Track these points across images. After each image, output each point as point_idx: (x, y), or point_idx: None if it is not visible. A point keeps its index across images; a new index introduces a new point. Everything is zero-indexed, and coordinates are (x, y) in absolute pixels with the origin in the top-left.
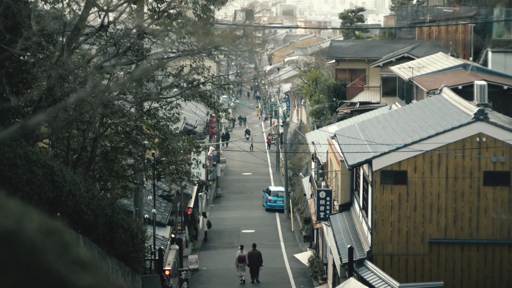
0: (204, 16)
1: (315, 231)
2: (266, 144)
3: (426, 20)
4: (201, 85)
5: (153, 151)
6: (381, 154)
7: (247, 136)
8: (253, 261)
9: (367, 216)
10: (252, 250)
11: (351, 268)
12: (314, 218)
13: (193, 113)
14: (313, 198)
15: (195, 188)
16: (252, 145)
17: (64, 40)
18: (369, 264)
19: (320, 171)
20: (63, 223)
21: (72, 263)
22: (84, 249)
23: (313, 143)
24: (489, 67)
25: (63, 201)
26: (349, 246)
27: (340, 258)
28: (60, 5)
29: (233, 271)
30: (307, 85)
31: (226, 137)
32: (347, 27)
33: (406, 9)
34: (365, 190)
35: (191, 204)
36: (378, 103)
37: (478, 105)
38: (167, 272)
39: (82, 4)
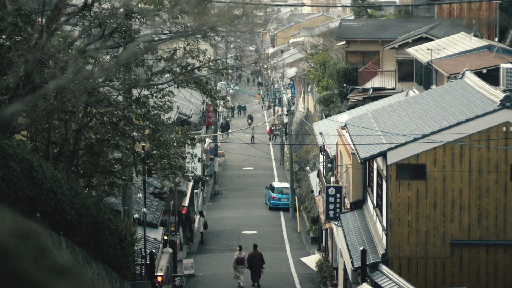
0: None
1: (323, 232)
2: (268, 136)
3: None
4: (196, 70)
5: (143, 144)
6: (397, 146)
7: (249, 122)
8: (254, 263)
9: (381, 215)
10: (252, 251)
11: (364, 273)
12: (322, 217)
13: (187, 102)
14: (321, 195)
15: (190, 184)
16: (253, 137)
17: (44, 20)
18: (384, 268)
19: (329, 165)
20: (42, 224)
21: (50, 269)
22: (67, 253)
23: (321, 134)
24: None
25: (43, 200)
26: (361, 248)
27: (352, 262)
28: None
29: (232, 276)
30: (314, 69)
31: (225, 128)
32: (358, 4)
33: None
34: (379, 186)
35: (186, 203)
36: (393, 89)
37: (504, 91)
38: (159, 278)
39: None
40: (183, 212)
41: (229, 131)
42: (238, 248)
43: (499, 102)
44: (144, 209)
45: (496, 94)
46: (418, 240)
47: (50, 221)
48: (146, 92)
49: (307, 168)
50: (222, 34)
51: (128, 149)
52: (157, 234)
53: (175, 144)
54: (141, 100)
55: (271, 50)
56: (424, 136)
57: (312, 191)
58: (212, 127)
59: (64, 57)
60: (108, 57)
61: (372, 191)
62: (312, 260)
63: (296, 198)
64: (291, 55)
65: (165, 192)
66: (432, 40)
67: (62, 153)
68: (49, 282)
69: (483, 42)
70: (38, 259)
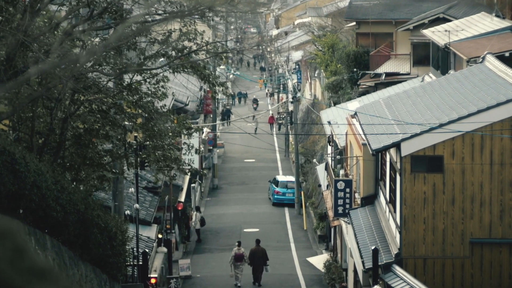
0: None
1: (332, 229)
2: (269, 125)
3: None
4: (193, 54)
5: (135, 134)
6: (412, 136)
7: (255, 106)
8: (256, 260)
9: (395, 212)
10: (255, 247)
11: (376, 274)
12: (331, 214)
13: (183, 88)
14: (329, 190)
15: (187, 178)
16: (257, 128)
17: (27, 0)
18: (398, 269)
19: (338, 157)
20: (25, 221)
21: (29, 272)
22: (52, 253)
23: (329, 123)
24: None
25: (26, 195)
26: (373, 247)
27: (363, 262)
28: None
29: (232, 278)
30: (322, 52)
31: (226, 116)
32: None
33: None
34: (393, 180)
35: (182, 198)
36: (408, 74)
37: None
38: (153, 281)
39: None
40: (179, 208)
41: (231, 119)
42: (236, 244)
43: None
44: (137, 205)
45: None
46: (434, 238)
47: (34, 218)
48: (138, 78)
49: (314, 160)
50: (221, 14)
51: (119, 140)
52: (150, 232)
53: (170, 134)
54: (133, 86)
55: (274, 32)
56: (441, 126)
57: (320, 185)
58: (211, 116)
59: (49, 40)
60: (97, 39)
61: (384, 185)
62: (319, 261)
63: (302, 193)
64: (296, 37)
65: (159, 187)
66: (450, 20)
67: (47, 144)
68: (28, 285)
69: (506, 23)
70: (14, 261)
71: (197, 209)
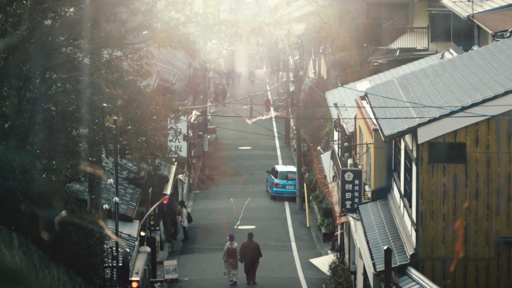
0: None
1: (338, 227)
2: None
3: None
4: (181, 26)
5: (115, 117)
6: (430, 121)
7: (252, 79)
8: (248, 255)
9: (410, 207)
10: (247, 241)
11: (389, 278)
12: (337, 209)
13: (170, 65)
14: (336, 182)
15: (174, 168)
16: (251, 109)
17: None
18: (414, 272)
19: (346, 144)
20: None
21: None
22: (20, 253)
23: (336, 105)
24: None
25: None
26: (385, 247)
27: (374, 264)
28: None
29: (225, 281)
30: (328, 25)
31: (222, 96)
32: None
33: None
34: (408, 171)
35: (168, 191)
36: (426, 50)
37: None
38: (134, 284)
39: None
40: (165, 202)
41: (226, 100)
42: (228, 238)
43: None
44: (116, 198)
45: None
46: (455, 237)
47: None
48: (118, 53)
49: (319, 148)
50: None
51: (96, 124)
52: (132, 229)
53: (154, 117)
54: (113, 63)
55: (274, 2)
56: (463, 109)
57: (325, 177)
58: (201, 97)
59: (17, 10)
60: (71, 9)
61: (398, 176)
62: (324, 262)
63: (304, 185)
64: (299, 7)
65: (142, 177)
66: None
67: (14, 128)
68: None
69: None
70: None
71: (182, 204)
